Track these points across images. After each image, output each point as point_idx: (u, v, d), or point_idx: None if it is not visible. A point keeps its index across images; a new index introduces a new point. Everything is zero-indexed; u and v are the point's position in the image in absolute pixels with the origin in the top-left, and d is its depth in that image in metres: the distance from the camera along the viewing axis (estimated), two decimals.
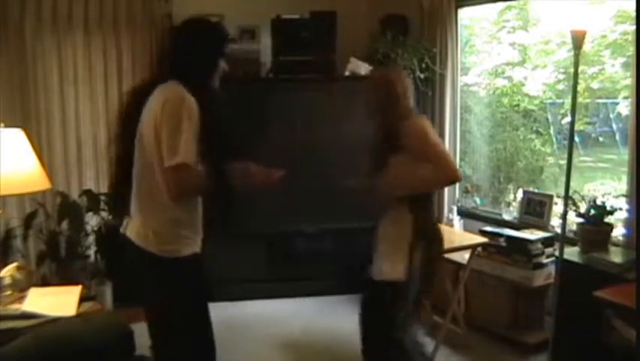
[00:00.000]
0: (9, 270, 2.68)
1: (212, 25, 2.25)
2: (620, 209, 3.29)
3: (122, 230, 2.18)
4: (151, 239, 2.06)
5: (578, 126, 4.09)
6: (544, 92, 4.60)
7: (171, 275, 2.10)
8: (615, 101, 4.52)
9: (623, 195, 3.38)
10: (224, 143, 2.17)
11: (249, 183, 2.12)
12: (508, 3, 4.41)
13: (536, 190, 4.20)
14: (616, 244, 3.31)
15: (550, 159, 4.58)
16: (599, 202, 3.30)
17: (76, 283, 2.81)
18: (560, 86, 4.53)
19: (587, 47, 3.57)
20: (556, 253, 3.20)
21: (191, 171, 1.99)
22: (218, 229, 2.25)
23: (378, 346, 2.71)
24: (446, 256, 3.26)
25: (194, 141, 1.99)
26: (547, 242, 3.58)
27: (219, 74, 2.21)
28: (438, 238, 2.71)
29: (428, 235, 2.65)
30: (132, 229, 2.13)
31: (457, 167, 2.65)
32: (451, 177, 2.59)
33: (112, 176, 2.26)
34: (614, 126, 4.86)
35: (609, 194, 3.47)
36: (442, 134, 4.30)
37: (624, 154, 3.88)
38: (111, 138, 2.30)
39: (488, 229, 3.79)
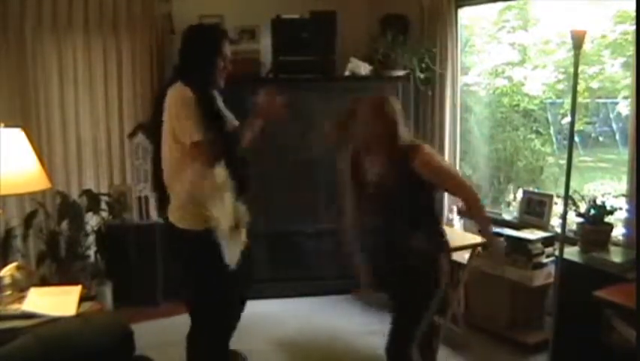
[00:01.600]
0: (9, 270, 2.67)
1: (205, 27, 2.76)
2: (620, 209, 3.29)
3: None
4: (173, 214, 2.59)
5: (578, 126, 4.09)
6: (544, 92, 4.60)
7: (186, 244, 2.58)
8: (615, 101, 4.52)
9: (623, 195, 3.38)
10: (225, 134, 2.55)
11: (272, 108, 2.58)
12: (508, 3, 4.41)
13: (536, 190, 4.19)
14: (616, 244, 3.30)
15: (550, 159, 4.59)
16: (599, 202, 3.30)
17: (76, 283, 2.80)
18: (560, 86, 4.53)
19: (587, 47, 3.57)
20: (557, 253, 3.20)
21: (202, 146, 2.41)
22: None
23: None
24: None
25: (198, 124, 2.40)
26: (547, 242, 3.57)
27: (221, 73, 2.58)
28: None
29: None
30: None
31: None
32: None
33: (153, 171, 2.75)
34: (614, 126, 4.86)
35: (609, 194, 3.46)
36: (442, 135, 4.31)
37: (624, 154, 3.88)
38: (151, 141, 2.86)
39: None
